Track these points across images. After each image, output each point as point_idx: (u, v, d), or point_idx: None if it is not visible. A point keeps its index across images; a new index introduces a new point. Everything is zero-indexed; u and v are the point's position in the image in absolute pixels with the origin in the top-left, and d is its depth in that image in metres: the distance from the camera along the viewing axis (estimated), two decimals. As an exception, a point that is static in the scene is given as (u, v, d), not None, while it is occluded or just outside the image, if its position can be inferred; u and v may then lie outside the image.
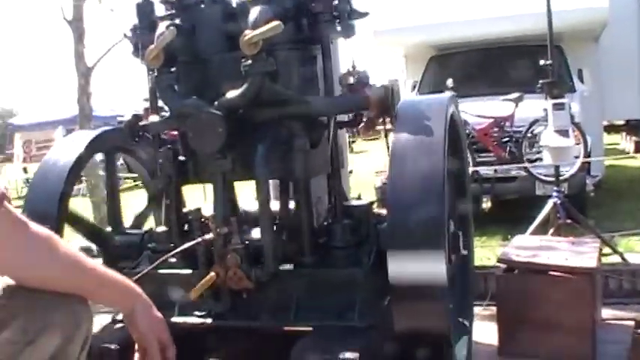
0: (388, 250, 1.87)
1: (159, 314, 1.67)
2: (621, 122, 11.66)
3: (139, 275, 1.95)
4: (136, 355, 1.69)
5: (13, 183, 15.31)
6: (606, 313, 3.15)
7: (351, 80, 2.18)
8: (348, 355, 1.81)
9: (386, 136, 2.20)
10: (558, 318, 2.67)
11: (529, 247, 3.00)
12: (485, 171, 6.52)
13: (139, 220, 2.83)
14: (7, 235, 1.39)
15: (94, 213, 6.07)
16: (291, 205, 2.23)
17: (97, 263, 1.60)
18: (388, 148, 2.05)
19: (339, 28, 2.22)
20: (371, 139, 16.39)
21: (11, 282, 1.44)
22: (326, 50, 2.20)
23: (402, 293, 1.88)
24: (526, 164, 6.38)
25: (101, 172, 8.17)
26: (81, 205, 2.41)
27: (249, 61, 2.03)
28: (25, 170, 16.40)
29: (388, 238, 1.91)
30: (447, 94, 2.22)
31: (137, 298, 1.62)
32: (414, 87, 8.13)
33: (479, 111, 6.67)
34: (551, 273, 2.71)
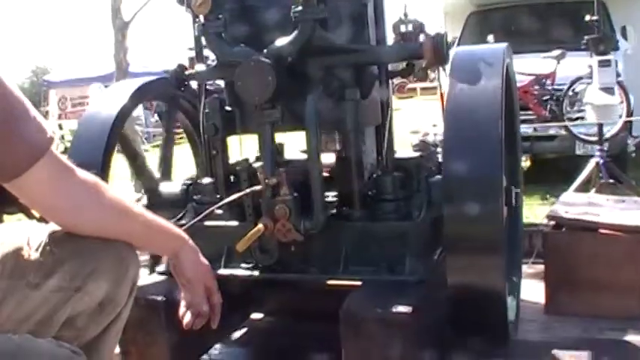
0: (444, 202, 1.83)
1: (205, 260, 1.66)
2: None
3: (185, 227, 1.92)
4: (182, 303, 1.68)
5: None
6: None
7: (404, 28, 2.11)
8: (400, 308, 1.77)
9: (442, 101, 2.14)
10: (608, 277, 2.61)
11: (578, 204, 2.93)
12: (525, 129, 6.40)
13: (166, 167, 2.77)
14: (54, 180, 1.38)
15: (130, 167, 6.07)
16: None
17: (143, 209, 1.58)
18: (442, 98, 2.00)
19: (391, -24, 2.15)
20: (405, 97, 16.26)
21: (57, 229, 1.44)
22: (378, -2, 2.14)
23: (457, 247, 1.84)
24: (567, 123, 6.26)
25: (137, 127, 8.23)
26: (116, 159, 2.38)
27: (300, 8, 1.97)
28: (60, 127, 16.53)
29: (444, 190, 1.86)
30: (503, 44, 2.14)
31: (183, 244, 1.62)
32: (454, 43, 7.99)
33: (519, 68, 6.52)
34: (602, 231, 2.64)
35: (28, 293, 1.37)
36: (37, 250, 1.39)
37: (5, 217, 2.62)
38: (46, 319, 1.38)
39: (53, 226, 1.44)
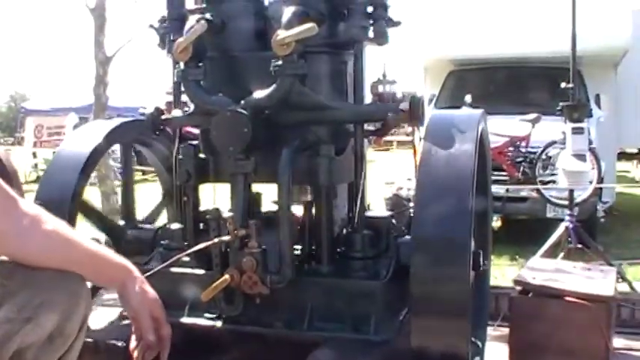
0: (411, 264, 1.83)
1: (152, 291, 1.63)
2: (634, 150, 11.59)
3: (150, 272, 1.90)
4: (132, 337, 1.65)
5: (22, 167, 15.29)
6: (618, 342, 3.09)
7: (382, 88, 2.13)
8: (363, 369, 1.76)
9: (413, 147, 2.16)
10: (572, 344, 2.63)
11: (545, 270, 2.96)
12: (497, 189, 6.46)
13: (153, 215, 2.79)
14: None
15: (102, 203, 6.03)
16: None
17: (88, 239, 1.57)
18: (415, 158, 2.01)
19: (372, 35, 2.18)
20: (381, 150, 16.38)
21: (6, 260, 1.43)
22: (358, 56, 2.16)
23: (422, 308, 1.84)
24: (539, 186, 6.34)
25: (112, 162, 8.19)
26: (90, 194, 2.37)
27: (280, 62, 1.99)
28: (34, 155, 16.41)
29: (412, 252, 1.86)
30: (479, 110, 2.17)
31: (128, 273, 1.60)
32: (432, 100, 8.09)
33: (495, 129, 6.62)
34: (568, 299, 2.66)
35: None
36: None
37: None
38: None
39: (1, 259, 1.43)
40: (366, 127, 2.23)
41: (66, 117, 15.06)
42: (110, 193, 5.92)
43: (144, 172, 10.49)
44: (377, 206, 3.27)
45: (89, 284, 1.57)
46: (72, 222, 2.21)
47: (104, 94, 6.28)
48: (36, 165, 15.92)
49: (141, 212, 2.73)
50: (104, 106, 6.33)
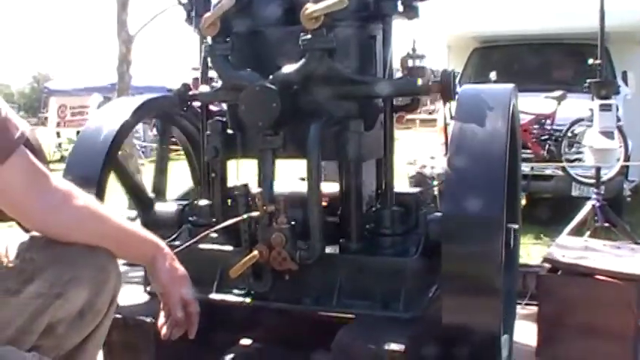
0: (443, 241, 1.81)
1: (181, 267, 1.64)
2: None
3: (179, 249, 1.90)
4: (161, 313, 1.65)
5: (46, 147, 15.42)
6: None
7: (411, 63, 2.10)
8: (393, 346, 1.75)
9: (445, 133, 2.13)
10: (601, 323, 2.60)
11: (574, 248, 2.92)
12: (523, 168, 6.40)
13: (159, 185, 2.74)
14: (27, 180, 1.39)
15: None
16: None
17: (118, 215, 1.56)
18: (446, 135, 1.99)
19: (401, 9, 2.15)
20: (403, 128, 16.29)
21: (37, 236, 1.44)
22: (387, 30, 2.13)
23: (453, 286, 1.82)
24: (564, 164, 6.27)
25: (135, 141, 8.21)
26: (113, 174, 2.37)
27: (309, 36, 1.97)
28: (58, 135, 16.50)
29: (443, 229, 1.84)
30: (509, 85, 2.13)
31: (158, 249, 1.60)
32: (456, 77, 8.01)
33: (520, 107, 6.54)
34: (597, 277, 2.63)
35: (7, 300, 1.36)
36: (16, 257, 1.40)
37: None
38: (26, 326, 1.38)
39: (34, 233, 1.44)
40: (395, 102, 2.20)
41: (89, 97, 15.11)
42: (134, 172, 5.93)
43: (171, 150, 10.54)
44: (401, 184, 3.25)
45: (120, 261, 1.57)
46: (100, 198, 2.21)
47: (127, 73, 6.27)
48: (60, 145, 16.02)
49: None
50: (128, 85, 6.32)
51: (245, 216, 2.00)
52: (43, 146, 2.44)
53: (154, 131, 12.58)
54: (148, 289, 2.23)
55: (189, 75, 2.44)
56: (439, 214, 2.12)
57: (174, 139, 2.80)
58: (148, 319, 2.01)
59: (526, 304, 2.97)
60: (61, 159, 14.36)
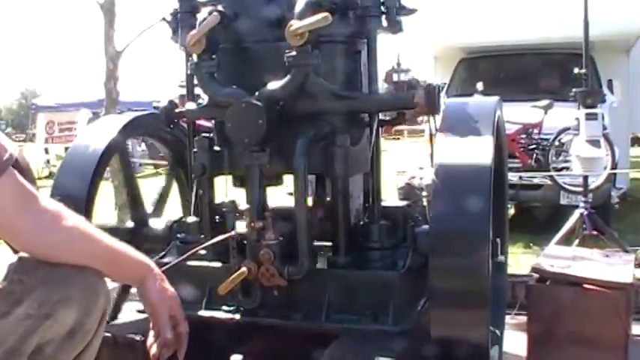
0: (430, 255, 1.82)
1: (171, 288, 1.64)
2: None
3: (167, 266, 1.90)
4: (150, 333, 1.65)
5: (34, 163, 15.36)
6: (637, 329, 3.07)
7: (396, 77, 2.12)
8: (383, 360, 1.76)
9: (431, 143, 2.14)
10: (591, 332, 2.61)
11: (562, 257, 2.93)
12: (511, 177, 6.42)
13: (160, 204, 2.76)
14: (16, 201, 1.39)
15: (115, 197, 6.03)
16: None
17: (107, 236, 1.56)
18: (431, 140, 2.00)
19: (385, 24, 2.16)
20: (391, 139, 16.35)
21: (26, 257, 1.44)
22: (371, 46, 2.15)
23: (442, 299, 1.83)
24: (552, 173, 6.30)
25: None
26: (103, 188, 2.37)
27: (294, 53, 1.98)
28: (46, 151, 16.44)
29: (431, 242, 1.85)
30: (494, 98, 2.15)
31: (148, 270, 1.60)
32: (442, 89, 8.05)
33: (507, 116, 6.57)
34: (586, 286, 2.64)
35: None
36: (4, 279, 1.40)
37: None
38: (15, 348, 1.37)
39: (21, 255, 1.44)
40: (380, 116, 2.21)
41: (77, 112, 15.08)
42: (122, 187, 5.92)
43: (156, 166, 10.52)
44: (389, 196, 3.26)
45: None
46: (88, 215, 2.21)
47: (115, 88, 6.26)
48: (48, 161, 15.96)
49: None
50: (115, 101, 6.31)
51: (232, 233, 2.01)
52: (31, 164, 2.45)
53: (143, 147, 12.58)
54: (138, 307, 2.22)
55: (176, 90, 2.44)
56: (427, 227, 2.13)
57: (162, 155, 2.80)
58: (138, 338, 2.00)
59: (515, 314, 2.97)
60: (50, 175, 14.30)
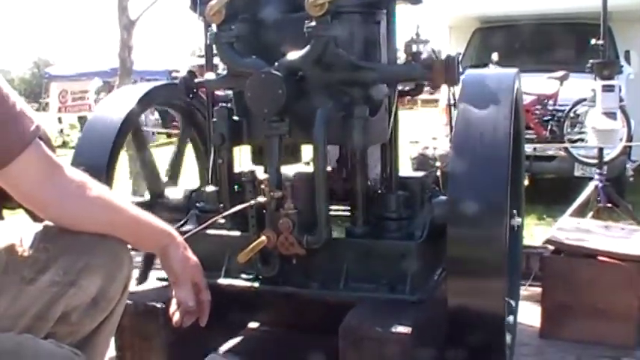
0: (448, 225, 1.83)
1: (193, 256, 1.66)
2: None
3: (187, 235, 1.92)
4: (173, 301, 1.68)
5: (48, 132, 15.41)
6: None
7: (415, 48, 2.12)
8: (400, 328, 1.78)
9: (449, 111, 2.15)
10: (604, 304, 2.63)
11: (577, 229, 2.95)
12: (525, 148, 6.41)
13: (174, 172, 2.78)
14: (41, 171, 1.41)
15: (129, 166, 6.07)
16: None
17: (131, 205, 1.59)
18: (449, 116, 2.00)
19: (405, -6, 2.16)
20: (405, 108, 16.26)
21: (50, 226, 1.46)
22: (391, 16, 2.14)
23: (459, 269, 1.85)
24: (566, 144, 6.28)
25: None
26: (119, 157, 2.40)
27: (313, 23, 1.97)
28: (59, 120, 16.50)
29: (449, 212, 1.87)
30: (513, 70, 2.15)
31: (170, 238, 1.62)
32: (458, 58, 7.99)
33: (522, 87, 6.54)
34: (601, 258, 2.65)
35: (23, 288, 1.39)
36: (30, 247, 1.42)
37: (6, 212, 2.62)
38: (42, 314, 1.40)
39: (47, 223, 1.47)
40: (399, 87, 2.21)
41: (90, 82, 15.10)
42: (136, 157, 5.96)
43: (169, 135, 10.54)
44: (403, 165, 3.26)
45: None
46: (109, 184, 2.24)
47: (129, 58, 6.26)
48: (62, 130, 16.05)
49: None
50: (129, 71, 6.32)
51: (252, 202, 2.02)
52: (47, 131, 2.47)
53: (156, 115, 12.60)
54: (158, 275, 2.26)
55: (189, 59, 2.45)
56: (444, 197, 2.14)
57: (176, 124, 2.82)
58: (159, 305, 2.04)
59: (530, 285, 2.99)
60: (64, 144, 14.39)
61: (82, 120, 15.09)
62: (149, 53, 18.02)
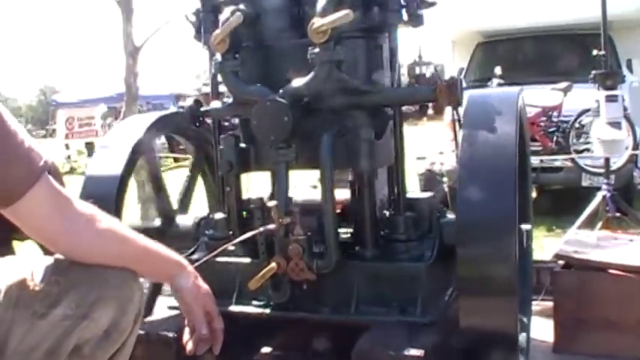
0: (457, 245, 1.84)
1: (205, 285, 1.67)
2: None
3: (198, 263, 1.93)
4: (185, 330, 1.69)
5: (55, 159, 15.45)
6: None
7: (418, 71, 2.13)
8: (413, 351, 1.78)
9: (454, 127, 2.16)
10: (616, 316, 2.62)
11: (586, 242, 2.94)
12: (532, 160, 6.41)
13: (185, 200, 2.80)
14: (51, 205, 1.43)
15: (138, 192, 6.08)
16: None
17: (141, 236, 1.60)
18: (454, 131, 2.01)
19: (406, 17, 2.18)
20: (411, 124, 16.29)
21: (61, 259, 1.47)
22: (393, 40, 2.16)
23: (470, 290, 1.85)
24: (573, 155, 6.28)
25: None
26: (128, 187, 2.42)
27: (317, 50, 2.00)
28: (67, 147, 16.58)
29: (458, 233, 1.88)
30: (516, 88, 2.16)
31: (181, 268, 1.63)
32: (460, 73, 8.03)
33: (526, 100, 6.55)
34: (611, 271, 2.65)
35: (34, 323, 1.40)
36: (41, 281, 1.43)
37: (15, 243, 2.63)
38: (54, 349, 1.40)
39: (58, 256, 1.48)
40: (404, 109, 2.23)
41: (95, 108, 15.20)
42: (145, 182, 5.97)
43: (176, 159, 10.57)
44: (410, 182, 3.27)
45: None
46: (118, 214, 2.26)
47: (135, 84, 6.31)
48: (69, 157, 16.11)
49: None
50: (135, 96, 6.36)
51: (262, 229, 2.04)
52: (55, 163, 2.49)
53: (162, 139, 12.63)
54: (170, 304, 2.27)
55: (193, 83, 2.48)
56: (452, 217, 2.15)
57: (182, 148, 2.84)
58: (171, 334, 2.04)
59: (541, 300, 2.99)
60: (71, 171, 14.44)
61: (89, 146, 15.17)
62: (155, 77, 18.15)
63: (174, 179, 2.82)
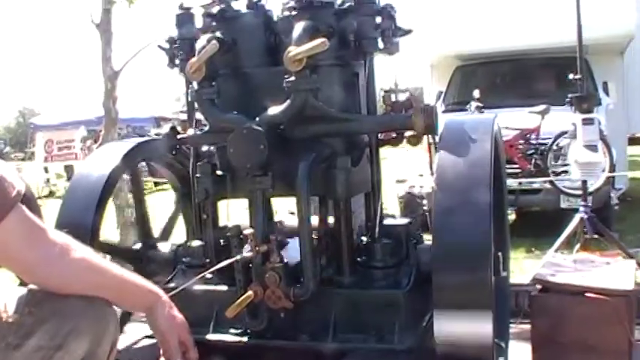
0: (433, 272, 1.84)
1: (180, 315, 1.67)
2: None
3: (174, 292, 1.93)
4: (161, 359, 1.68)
5: (34, 182, 15.35)
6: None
7: (394, 98, 2.15)
8: (390, 379, 1.78)
9: (430, 152, 2.17)
10: (594, 340, 2.62)
11: (563, 266, 2.96)
12: (510, 183, 6.46)
13: (168, 228, 2.80)
14: (25, 235, 1.42)
15: (117, 216, 6.05)
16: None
17: (115, 266, 1.60)
18: (430, 157, 2.02)
19: (382, 45, 2.20)
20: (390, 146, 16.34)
21: (35, 290, 1.47)
22: (369, 67, 2.18)
23: (446, 316, 1.85)
24: (551, 177, 6.33)
25: (125, 176, 8.18)
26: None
27: (293, 78, 2.01)
28: (45, 170, 16.45)
29: (434, 260, 1.88)
30: (491, 115, 2.18)
31: (156, 298, 1.63)
32: (439, 97, 8.09)
33: (504, 122, 6.62)
34: (588, 295, 2.66)
35: (8, 354, 1.38)
36: (15, 312, 1.42)
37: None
38: None
39: (30, 287, 1.47)
40: (380, 136, 2.24)
41: (75, 131, 15.12)
42: (124, 206, 5.95)
43: (156, 184, 10.55)
44: (389, 204, 3.29)
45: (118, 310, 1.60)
46: (93, 244, 2.23)
47: (114, 108, 6.28)
48: (48, 180, 15.98)
49: (158, 221, 2.78)
50: (115, 120, 6.32)
51: (239, 257, 2.03)
52: (30, 183, 2.46)
53: (142, 163, 12.59)
54: (146, 332, 2.25)
55: (173, 105, 2.48)
56: (428, 244, 2.16)
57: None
58: (142, 363, 2.03)
59: (519, 323, 2.99)
60: (50, 194, 14.33)
61: (68, 169, 15.06)
62: (135, 100, 18.09)
63: (155, 203, 2.80)
